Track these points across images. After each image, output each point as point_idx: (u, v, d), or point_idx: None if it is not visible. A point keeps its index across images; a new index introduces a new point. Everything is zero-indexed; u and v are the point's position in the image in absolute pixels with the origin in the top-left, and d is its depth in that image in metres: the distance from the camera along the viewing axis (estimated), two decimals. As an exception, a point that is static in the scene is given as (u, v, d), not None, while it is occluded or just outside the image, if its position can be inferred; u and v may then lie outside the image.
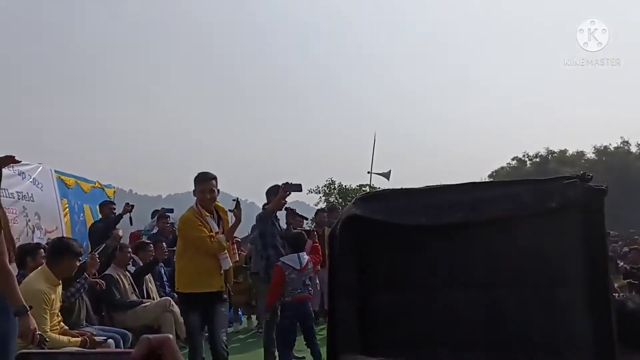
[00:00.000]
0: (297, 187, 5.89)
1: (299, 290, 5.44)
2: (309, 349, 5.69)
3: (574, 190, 1.81)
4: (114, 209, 8.77)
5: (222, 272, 4.84)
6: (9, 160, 3.88)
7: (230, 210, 5.08)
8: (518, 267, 1.92)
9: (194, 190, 4.91)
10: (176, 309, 6.45)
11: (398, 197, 1.96)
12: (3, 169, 3.66)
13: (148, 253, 7.28)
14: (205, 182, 4.88)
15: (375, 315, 1.92)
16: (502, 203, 1.87)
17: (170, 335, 0.58)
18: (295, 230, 6.43)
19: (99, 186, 9.15)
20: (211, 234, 4.77)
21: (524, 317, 1.90)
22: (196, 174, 4.93)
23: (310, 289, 5.59)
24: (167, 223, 9.21)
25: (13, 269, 3.38)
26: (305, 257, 5.58)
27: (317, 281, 8.11)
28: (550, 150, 41.26)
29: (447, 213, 1.87)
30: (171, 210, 9.59)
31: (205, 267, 4.78)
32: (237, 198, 5.11)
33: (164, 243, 8.07)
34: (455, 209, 1.87)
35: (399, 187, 1.97)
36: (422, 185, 2.05)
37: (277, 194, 6.10)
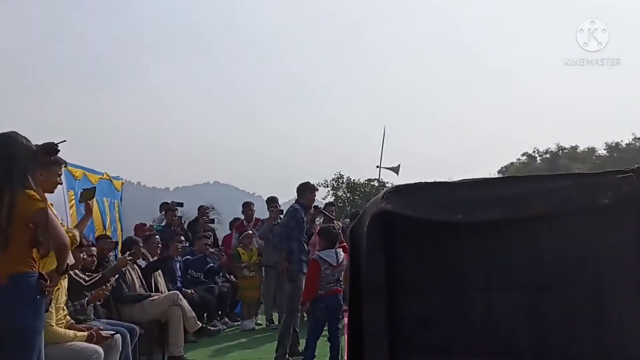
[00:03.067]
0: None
1: (332, 285, 5.48)
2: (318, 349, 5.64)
3: (629, 184, 1.65)
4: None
5: None
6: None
7: (80, 201, 4.41)
8: (565, 269, 1.76)
9: None
10: (184, 302, 6.34)
11: (432, 191, 1.80)
12: None
13: (154, 245, 7.18)
14: None
15: (405, 319, 1.77)
16: (547, 198, 1.71)
17: None
18: (328, 225, 6.42)
19: (107, 178, 9.02)
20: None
21: (571, 323, 1.74)
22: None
23: (341, 284, 5.59)
24: (175, 216, 9.15)
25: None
26: (341, 253, 5.58)
27: None
28: (561, 146, 40.91)
29: (486, 209, 1.71)
30: (181, 204, 9.53)
31: None
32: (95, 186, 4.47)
33: (182, 237, 8.00)
34: (495, 205, 1.71)
35: (433, 181, 1.81)
36: (432, 180, 1.90)
37: (309, 190, 6.59)
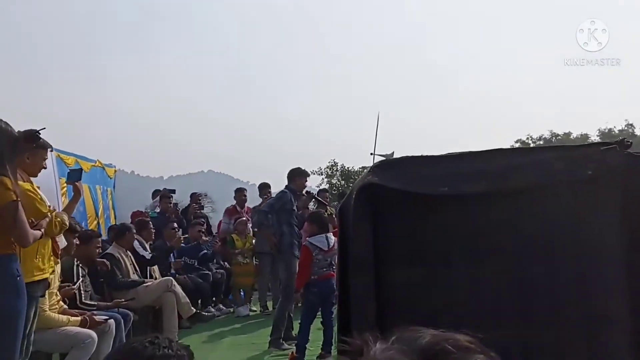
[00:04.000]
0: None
1: (324, 269, 5.51)
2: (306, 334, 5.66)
3: (612, 156, 1.67)
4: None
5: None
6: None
7: (67, 182, 4.43)
8: (549, 240, 1.77)
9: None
10: (178, 289, 6.37)
11: (418, 165, 1.81)
12: None
13: (149, 232, 7.19)
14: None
15: (392, 292, 1.78)
16: (531, 171, 1.72)
17: None
18: (318, 210, 6.42)
19: (100, 165, 9.00)
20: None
21: (555, 293, 1.76)
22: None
23: (334, 268, 5.61)
24: (170, 203, 9.15)
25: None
26: (332, 238, 5.60)
27: None
28: (554, 133, 40.96)
29: (470, 181, 1.72)
30: (173, 191, 9.55)
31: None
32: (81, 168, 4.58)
33: (175, 224, 8.01)
34: (480, 177, 1.72)
35: (419, 154, 1.82)
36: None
37: (298, 175, 6.57)
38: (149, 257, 6.87)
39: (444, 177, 1.75)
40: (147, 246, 7.11)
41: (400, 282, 1.79)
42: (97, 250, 5.76)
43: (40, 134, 3.54)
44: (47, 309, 4.33)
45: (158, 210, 9.03)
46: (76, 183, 4.23)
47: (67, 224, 3.92)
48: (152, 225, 7.38)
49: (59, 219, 3.68)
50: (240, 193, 9.49)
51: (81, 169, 4.77)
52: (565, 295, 1.77)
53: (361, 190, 1.74)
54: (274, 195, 8.73)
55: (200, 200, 9.66)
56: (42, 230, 3.35)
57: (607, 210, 1.75)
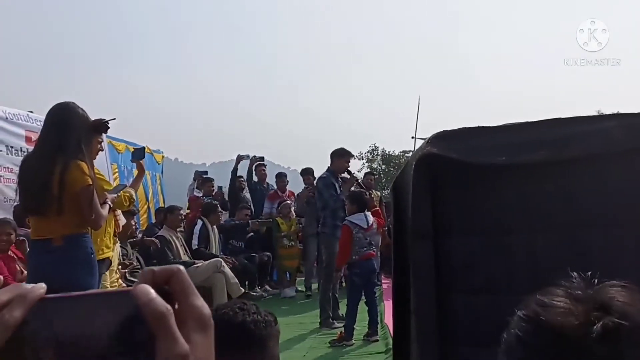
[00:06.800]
0: None
1: (365, 249, 5.54)
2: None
3: (673, 124, 1.67)
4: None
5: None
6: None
7: (132, 160, 4.67)
8: (606, 208, 1.79)
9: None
10: (227, 269, 6.56)
11: (476, 135, 1.84)
12: None
13: (217, 215, 7.49)
14: None
15: (450, 260, 1.83)
16: (590, 139, 1.74)
17: (182, 267, 0.43)
18: (358, 190, 6.35)
19: (149, 151, 9.26)
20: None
21: (610, 260, 1.77)
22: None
23: (374, 248, 5.64)
24: (212, 187, 9.35)
25: None
26: (371, 216, 5.63)
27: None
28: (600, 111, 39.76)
29: (529, 151, 1.75)
30: (205, 172, 9.77)
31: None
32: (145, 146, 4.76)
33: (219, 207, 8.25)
34: (538, 147, 1.75)
35: (477, 125, 1.85)
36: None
37: (337, 156, 6.54)
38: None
39: (502, 147, 1.78)
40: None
41: (458, 251, 1.84)
42: (134, 226, 5.95)
43: (109, 124, 3.71)
44: (108, 285, 4.55)
45: (197, 193, 9.27)
46: (140, 161, 4.39)
47: (135, 198, 4.09)
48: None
49: (127, 194, 3.86)
50: (280, 178, 9.69)
51: (144, 148, 4.95)
52: (623, 264, 1.78)
53: (420, 160, 1.79)
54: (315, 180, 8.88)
55: (243, 160, 9.69)
56: (110, 204, 3.50)
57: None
